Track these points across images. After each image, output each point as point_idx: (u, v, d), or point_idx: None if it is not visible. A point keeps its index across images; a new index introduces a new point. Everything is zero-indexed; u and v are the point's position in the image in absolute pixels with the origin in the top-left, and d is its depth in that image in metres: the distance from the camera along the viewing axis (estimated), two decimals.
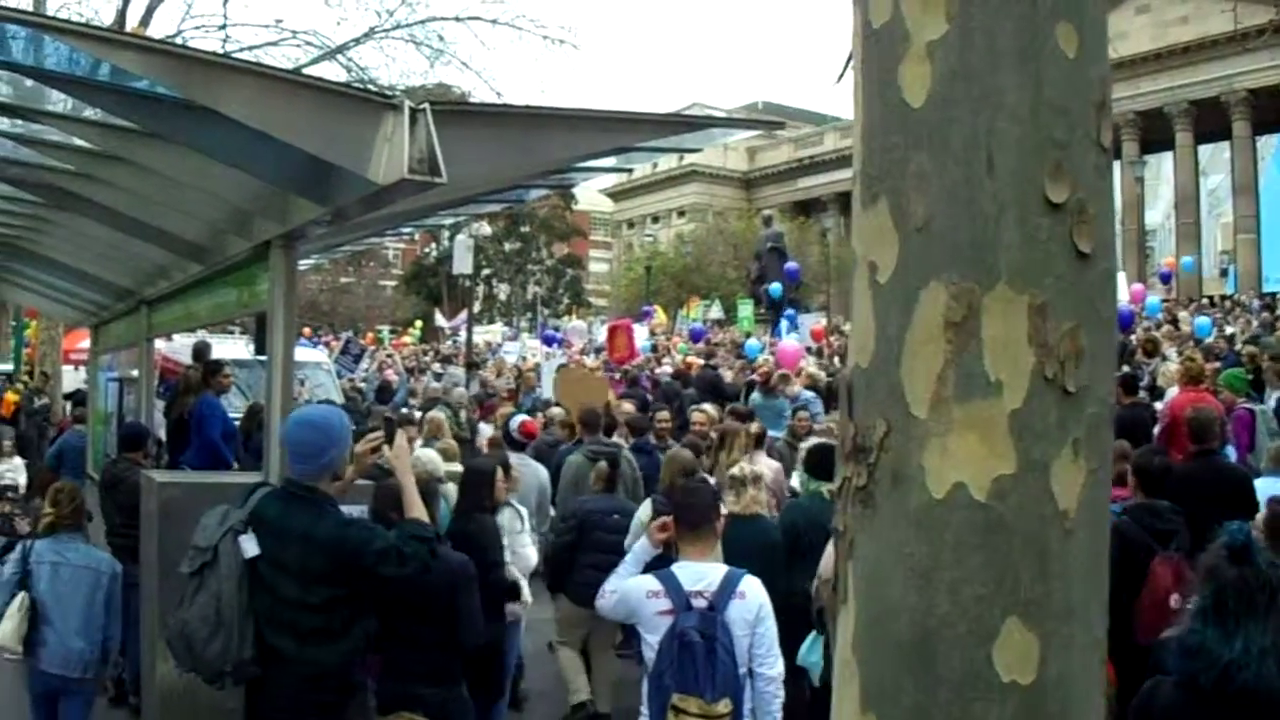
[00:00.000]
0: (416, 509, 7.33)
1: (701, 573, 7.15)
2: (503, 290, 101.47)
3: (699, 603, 7.04)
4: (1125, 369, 20.94)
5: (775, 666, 7.15)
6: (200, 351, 16.96)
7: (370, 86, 25.12)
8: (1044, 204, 2.01)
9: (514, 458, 12.39)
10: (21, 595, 8.77)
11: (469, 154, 6.48)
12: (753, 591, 7.17)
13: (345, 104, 6.54)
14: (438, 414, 17.22)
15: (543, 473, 13.40)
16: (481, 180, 8.77)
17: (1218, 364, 21.36)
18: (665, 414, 16.24)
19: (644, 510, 11.03)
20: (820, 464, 10.65)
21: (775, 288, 45.34)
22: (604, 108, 7.94)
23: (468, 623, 8.20)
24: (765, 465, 11.91)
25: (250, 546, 7.09)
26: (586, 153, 8.40)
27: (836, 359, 28.52)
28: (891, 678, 2.11)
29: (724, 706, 6.98)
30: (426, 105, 6.17)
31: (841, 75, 2.53)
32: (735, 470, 10.70)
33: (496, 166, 7.85)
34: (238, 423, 15.93)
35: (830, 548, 9.48)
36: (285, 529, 7.11)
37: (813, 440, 12.16)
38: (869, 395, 2.15)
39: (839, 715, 2.24)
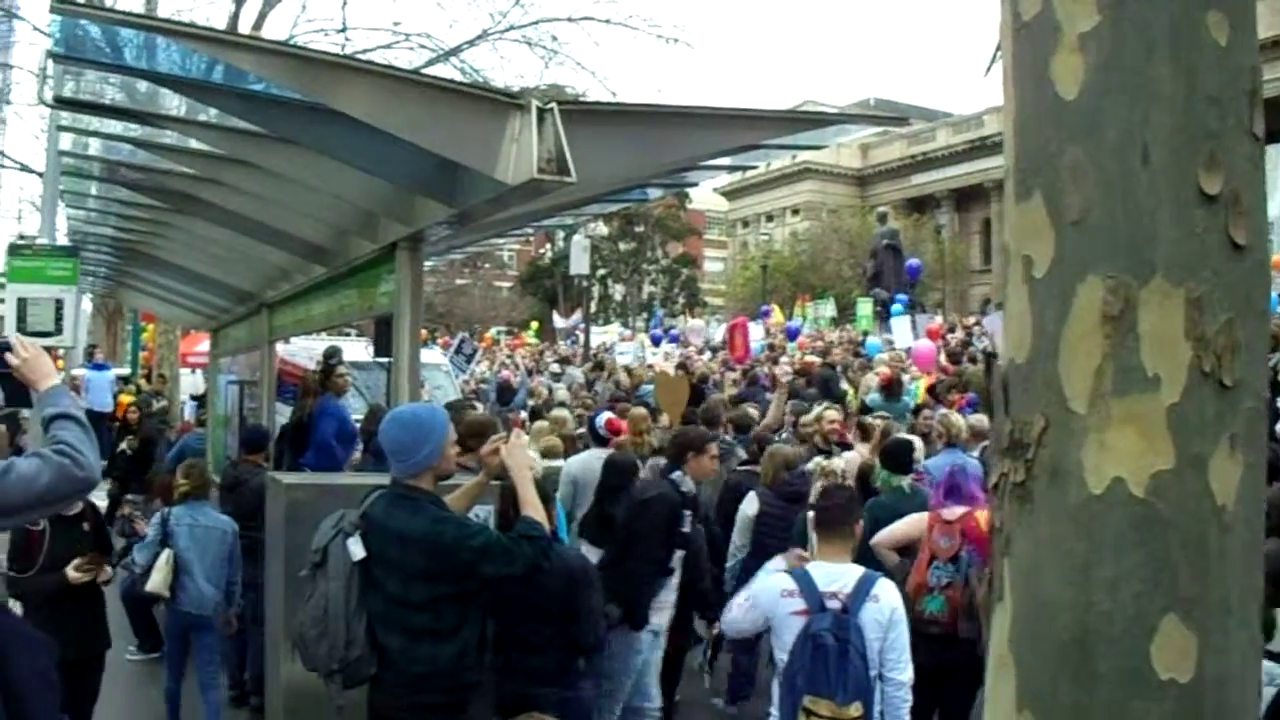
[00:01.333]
0: (531, 508, 7.31)
1: (837, 574, 7.14)
2: (618, 290, 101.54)
3: (833, 604, 7.04)
4: None
5: (905, 672, 7.09)
6: (331, 354, 17.02)
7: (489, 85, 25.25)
8: (1199, 196, 1.99)
9: (587, 455, 12.47)
10: (167, 551, 10.32)
11: (596, 153, 6.49)
12: (887, 595, 7.13)
13: (471, 104, 6.57)
14: (561, 413, 17.36)
15: None
16: (607, 179, 8.77)
17: None
18: (833, 413, 15.85)
19: (749, 505, 11.03)
20: (896, 458, 10.98)
21: (897, 308, 44.87)
22: (724, 106, 7.87)
23: (587, 624, 8.21)
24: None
25: (357, 549, 7.14)
26: (710, 150, 8.38)
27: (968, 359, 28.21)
28: (1048, 675, 2.09)
29: (855, 710, 6.94)
30: (554, 104, 6.19)
31: (990, 68, 2.51)
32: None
33: (622, 165, 7.86)
34: (358, 424, 16.01)
35: (901, 524, 9.67)
36: (387, 528, 7.16)
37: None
38: (1026, 391, 2.13)
39: (994, 713, 2.23)
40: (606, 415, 14.23)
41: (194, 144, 9.07)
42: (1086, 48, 2.05)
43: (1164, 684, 1.99)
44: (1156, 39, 2.01)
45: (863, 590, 7.07)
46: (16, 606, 8.76)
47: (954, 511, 9.12)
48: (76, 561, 9.04)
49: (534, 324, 71.78)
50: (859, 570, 7.23)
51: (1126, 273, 1.98)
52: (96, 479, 5.12)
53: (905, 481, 10.79)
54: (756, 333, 39.35)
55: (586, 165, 6.22)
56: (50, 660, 5.32)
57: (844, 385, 23.67)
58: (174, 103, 8.27)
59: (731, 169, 11.68)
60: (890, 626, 7.06)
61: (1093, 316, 2.01)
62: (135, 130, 9.31)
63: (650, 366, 33.51)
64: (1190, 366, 1.98)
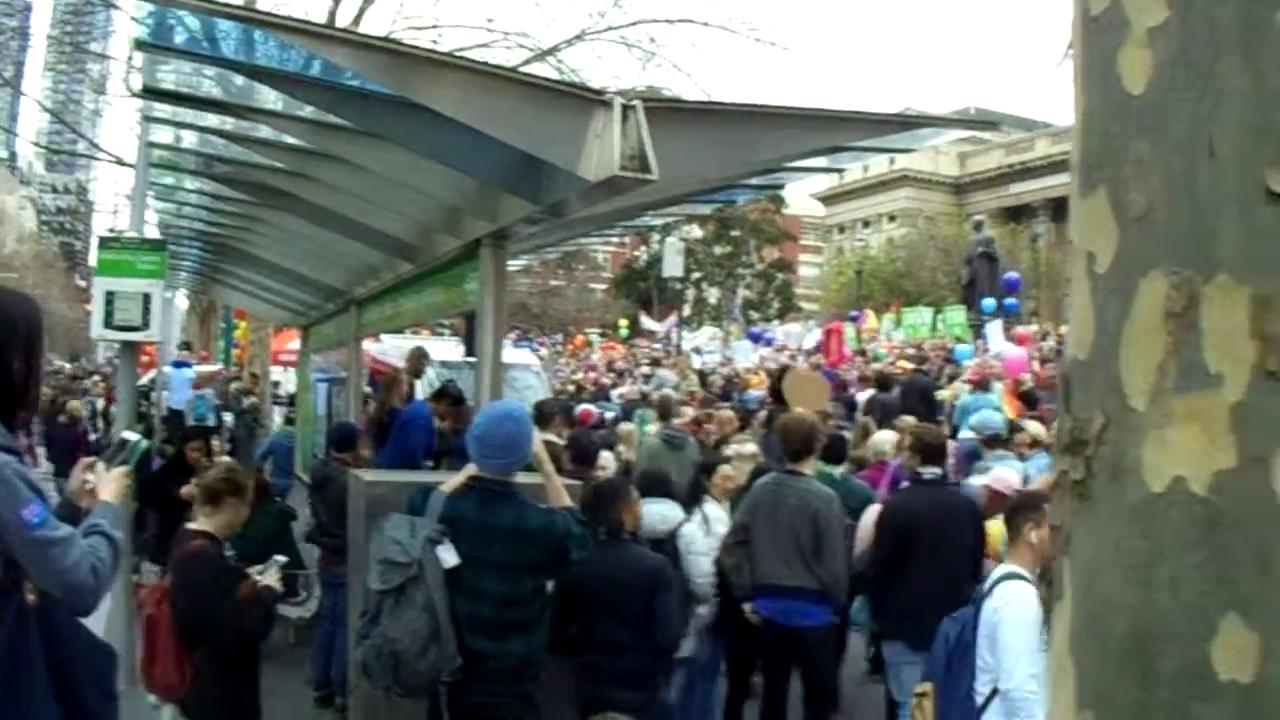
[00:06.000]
0: (565, 499, 7.51)
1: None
2: (712, 294, 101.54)
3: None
4: None
5: (1007, 681, 7.15)
6: (418, 356, 17.12)
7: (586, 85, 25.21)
8: (1266, 193, 1.96)
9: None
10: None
11: (679, 151, 6.50)
12: (999, 594, 7.22)
13: (556, 100, 6.60)
14: (627, 426, 17.47)
15: None
16: (692, 178, 8.78)
17: None
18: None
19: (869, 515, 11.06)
20: (832, 452, 12.55)
21: (989, 303, 44.77)
22: (810, 106, 7.84)
23: (664, 625, 8.24)
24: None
25: (449, 556, 7.18)
26: (797, 151, 8.37)
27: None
28: (1109, 675, 2.07)
29: (924, 687, 7.17)
30: (637, 101, 6.21)
31: (1061, 62, 2.51)
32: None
33: (707, 164, 7.86)
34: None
35: (865, 520, 10.12)
36: (489, 526, 7.20)
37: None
38: (1087, 387, 2.12)
39: (1055, 713, 2.22)
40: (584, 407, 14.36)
41: (283, 138, 9.13)
42: (1155, 42, 2.03)
43: (1224, 685, 1.96)
44: (1225, 34, 1.98)
45: (990, 587, 7.37)
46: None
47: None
48: None
49: (623, 323, 71.71)
50: (1001, 568, 7.54)
51: (1190, 269, 1.96)
52: (91, 609, 5.21)
53: (837, 471, 12.20)
54: (850, 338, 39.36)
55: (669, 163, 6.23)
56: (112, 667, 5.38)
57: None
58: (262, 96, 8.33)
59: (820, 171, 11.64)
60: (996, 624, 7.18)
61: (1155, 313, 1.99)
62: (224, 123, 9.39)
63: (753, 371, 33.56)
64: (1254, 365, 1.95)
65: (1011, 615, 7.05)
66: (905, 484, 11.38)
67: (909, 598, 9.85)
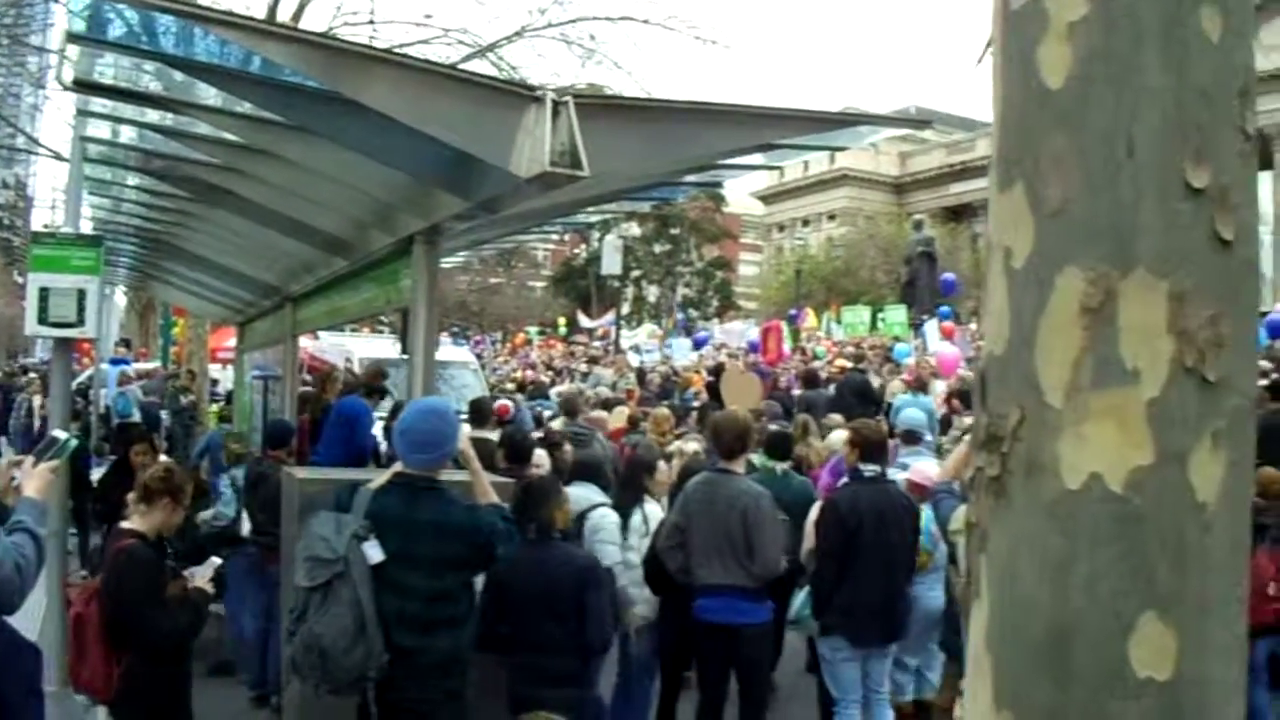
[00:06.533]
0: (492, 496, 7.52)
1: None
2: (652, 292, 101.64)
3: None
4: (1276, 376, 20.85)
5: None
6: (377, 373, 17.12)
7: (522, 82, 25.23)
8: (1185, 189, 1.96)
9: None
10: None
11: (612, 147, 6.47)
12: None
13: (488, 96, 6.56)
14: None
15: None
16: (625, 175, 8.76)
17: None
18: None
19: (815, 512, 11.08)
20: (776, 446, 12.69)
21: (946, 309, 45.01)
22: (743, 103, 7.82)
23: (595, 623, 8.22)
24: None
25: (375, 552, 7.15)
26: (731, 148, 8.35)
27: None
28: (1025, 674, 2.07)
29: None
30: (569, 98, 6.17)
31: (981, 58, 2.50)
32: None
33: (640, 161, 7.83)
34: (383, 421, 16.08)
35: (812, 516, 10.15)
36: (414, 522, 7.19)
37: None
38: (1003, 383, 2.11)
39: (972, 712, 2.21)
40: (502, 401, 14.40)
41: (220, 134, 9.07)
42: (1075, 37, 2.02)
43: (1142, 683, 1.97)
44: (1146, 30, 1.98)
45: None
46: None
47: None
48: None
49: (561, 321, 71.76)
50: None
51: (1107, 264, 1.96)
52: (15, 607, 5.16)
53: (780, 466, 12.20)
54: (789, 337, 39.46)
55: (601, 159, 6.21)
56: (37, 665, 5.33)
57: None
58: (200, 91, 8.27)
59: (755, 168, 11.62)
60: None
61: (1071, 308, 1.98)
62: (165, 119, 9.32)
63: (693, 369, 33.65)
64: (1172, 361, 1.95)
65: None
66: (843, 480, 11.41)
67: (850, 594, 9.86)
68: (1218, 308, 1.98)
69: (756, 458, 12.28)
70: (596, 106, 6.64)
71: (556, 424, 18.18)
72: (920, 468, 11.38)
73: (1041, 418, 2.02)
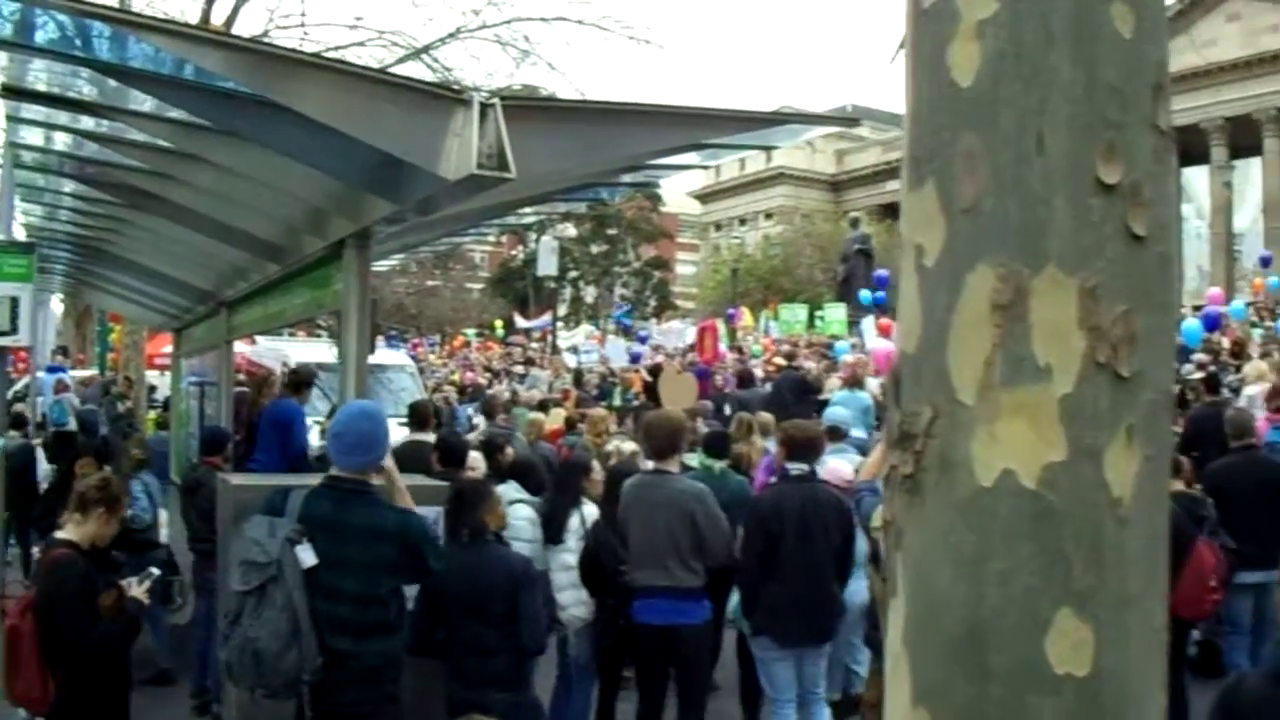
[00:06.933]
0: (409, 503, 7.72)
1: None
2: (589, 293, 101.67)
3: None
4: (1212, 369, 21.22)
5: None
6: (298, 370, 17.11)
7: (453, 84, 25.18)
8: (1096, 185, 1.96)
9: None
10: None
11: (540, 149, 6.48)
12: None
13: (416, 99, 6.56)
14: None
15: None
16: (555, 176, 8.77)
17: None
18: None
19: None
20: (714, 446, 12.75)
21: (865, 295, 45.37)
22: (671, 104, 7.81)
23: (529, 624, 8.22)
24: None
25: (308, 556, 7.15)
26: (662, 148, 8.36)
27: None
28: (942, 671, 2.06)
29: None
30: (496, 100, 6.17)
31: (895, 57, 2.50)
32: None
33: (568, 162, 7.84)
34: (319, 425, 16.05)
35: None
36: (345, 525, 7.20)
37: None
38: (915, 381, 2.11)
39: (891, 710, 2.21)
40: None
41: (146, 137, 9.02)
42: (984, 34, 2.02)
43: (1060, 678, 1.97)
44: (1057, 27, 1.99)
45: None
46: None
47: None
48: None
49: (498, 323, 71.68)
50: None
51: (1018, 261, 1.96)
52: None
53: (718, 465, 12.22)
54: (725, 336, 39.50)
55: (530, 161, 6.21)
56: None
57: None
58: (127, 95, 8.22)
59: (691, 168, 11.65)
60: None
61: (982, 305, 1.98)
62: (91, 123, 9.27)
63: (634, 370, 33.70)
64: (1084, 357, 1.95)
65: None
66: (772, 479, 11.46)
67: (775, 594, 9.86)
68: (1130, 303, 1.98)
69: (695, 457, 12.39)
70: (524, 108, 6.65)
71: (480, 420, 18.23)
72: (833, 466, 11.38)
73: (954, 415, 2.02)
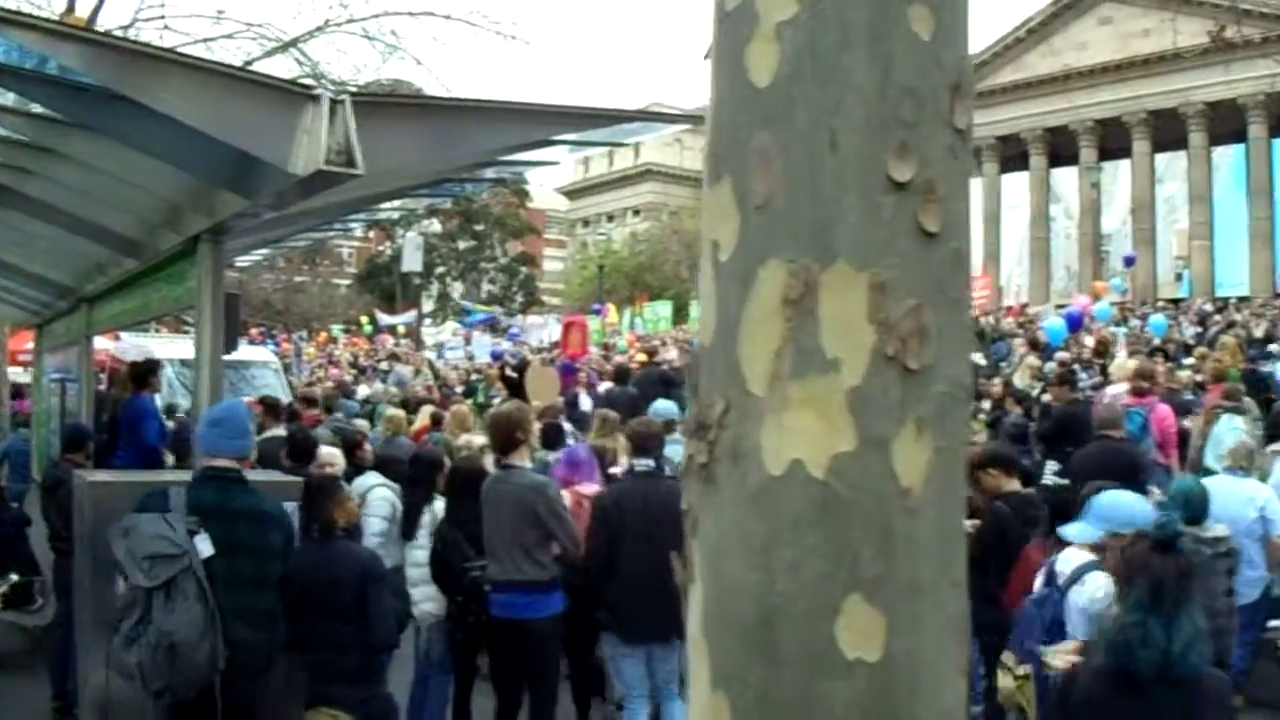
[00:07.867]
0: None
1: (1071, 559, 7.86)
2: (456, 289, 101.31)
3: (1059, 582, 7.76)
4: (1074, 367, 21.67)
5: None
6: (138, 363, 16.91)
7: (321, 80, 25.01)
8: (888, 183, 2.01)
9: None
10: None
11: (390, 145, 6.50)
12: (1094, 582, 7.51)
13: (268, 96, 6.55)
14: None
15: None
16: (406, 172, 8.77)
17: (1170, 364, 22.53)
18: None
19: None
20: (545, 438, 13.66)
21: None
22: (521, 100, 7.84)
23: (378, 619, 8.24)
24: None
25: (205, 546, 7.14)
26: (504, 144, 8.39)
27: None
28: (738, 657, 2.10)
29: (1024, 670, 7.48)
30: (345, 96, 6.18)
31: (705, 58, 2.54)
32: None
33: (421, 157, 7.87)
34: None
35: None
36: (231, 511, 7.24)
37: None
38: (710, 373, 2.15)
39: (693, 694, 2.25)
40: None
41: (3, 131, 8.93)
42: (782, 36, 2.06)
43: (851, 664, 2.01)
44: (854, 30, 2.03)
45: (1077, 575, 7.74)
46: None
47: (589, 488, 11.09)
48: None
49: (364, 320, 71.35)
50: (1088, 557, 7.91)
51: (808, 256, 2.00)
52: None
53: (552, 457, 12.85)
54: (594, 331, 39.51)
55: (380, 157, 6.24)
56: None
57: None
58: None
59: (546, 164, 11.66)
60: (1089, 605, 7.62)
61: (773, 300, 2.02)
62: None
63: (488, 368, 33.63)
64: (872, 350, 2.00)
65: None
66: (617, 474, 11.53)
67: (618, 591, 9.90)
68: (921, 298, 2.03)
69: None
70: (375, 105, 6.67)
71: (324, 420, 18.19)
72: (671, 456, 11.46)
73: (745, 406, 2.06)
